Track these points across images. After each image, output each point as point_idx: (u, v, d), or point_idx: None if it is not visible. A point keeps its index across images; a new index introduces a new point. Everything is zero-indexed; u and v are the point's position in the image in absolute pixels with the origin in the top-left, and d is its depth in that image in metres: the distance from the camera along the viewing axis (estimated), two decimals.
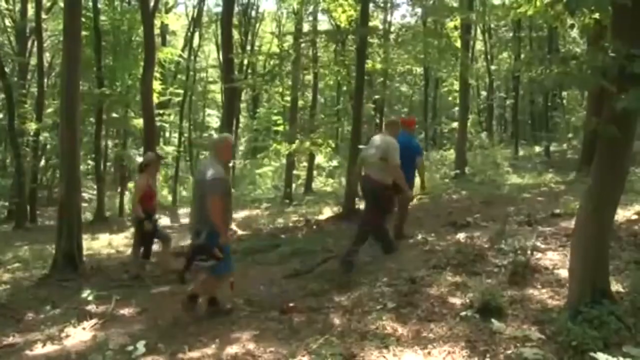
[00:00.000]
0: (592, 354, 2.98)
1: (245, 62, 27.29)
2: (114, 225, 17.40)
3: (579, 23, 8.27)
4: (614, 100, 3.92)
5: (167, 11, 28.10)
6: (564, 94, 27.17)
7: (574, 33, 23.24)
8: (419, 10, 23.17)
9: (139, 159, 22.08)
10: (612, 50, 4.05)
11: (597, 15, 7.20)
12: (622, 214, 7.60)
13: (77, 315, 5.81)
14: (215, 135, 22.42)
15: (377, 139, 7.01)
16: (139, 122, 20.74)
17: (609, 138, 4.14)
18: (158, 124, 22.09)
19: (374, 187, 6.69)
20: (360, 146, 8.20)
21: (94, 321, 5.63)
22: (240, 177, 29.11)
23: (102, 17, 20.72)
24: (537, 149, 25.20)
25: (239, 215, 16.78)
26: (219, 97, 33.26)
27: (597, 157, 4.46)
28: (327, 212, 13.67)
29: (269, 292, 6.28)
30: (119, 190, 23.80)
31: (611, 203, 4.46)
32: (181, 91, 27.84)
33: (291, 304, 5.35)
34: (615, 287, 4.74)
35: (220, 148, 5.40)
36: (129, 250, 11.78)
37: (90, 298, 6.25)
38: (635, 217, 7.69)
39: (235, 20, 23.20)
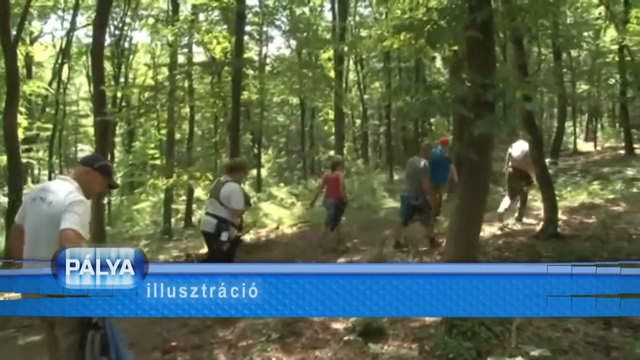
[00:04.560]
0: None
1: (119, 94, 26.43)
2: None
3: (441, 55, 8.87)
4: (472, 126, 4.23)
5: (32, 41, 26.57)
6: (432, 120, 28.78)
7: (438, 64, 24.83)
8: (293, 42, 23.86)
9: (4, 199, 20.56)
10: (469, 80, 4.39)
11: (455, 48, 7.77)
12: (488, 230, 8.17)
13: None
14: None
15: (518, 144, 9.33)
16: (3, 159, 19.35)
17: (470, 160, 4.46)
18: (24, 160, 20.71)
19: (522, 174, 9.18)
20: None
21: None
22: (116, 214, 27.72)
23: None
24: None
25: None
26: (91, 131, 31.63)
27: (462, 178, 4.78)
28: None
29: (150, 332, 6.02)
30: None
31: (476, 220, 4.79)
32: (50, 126, 26.29)
33: (173, 343, 5.16)
34: None
35: (424, 150, 8.53)
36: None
37: None
38: (499, 232, 8.29)
39: (107, 52, 22.34)
